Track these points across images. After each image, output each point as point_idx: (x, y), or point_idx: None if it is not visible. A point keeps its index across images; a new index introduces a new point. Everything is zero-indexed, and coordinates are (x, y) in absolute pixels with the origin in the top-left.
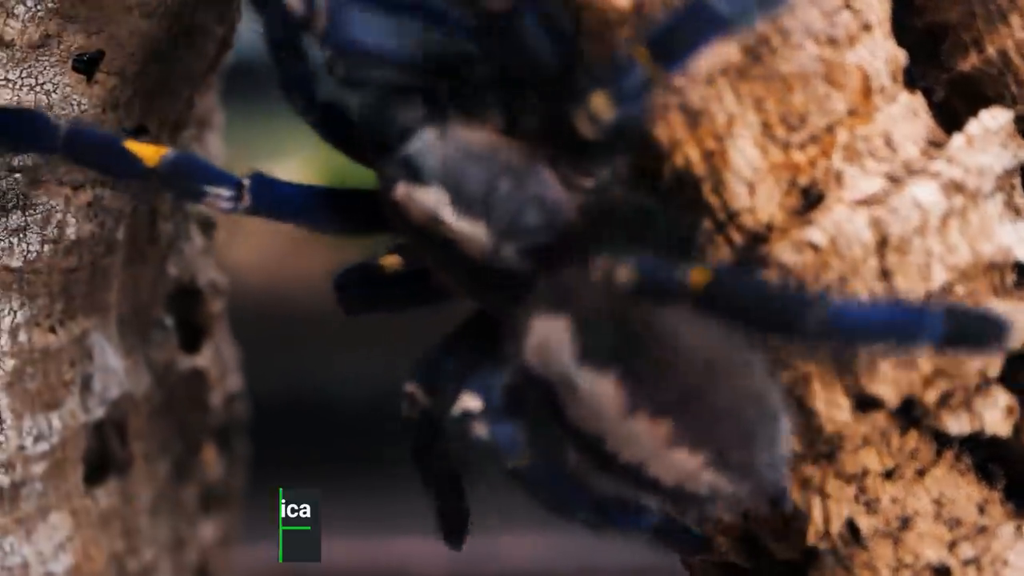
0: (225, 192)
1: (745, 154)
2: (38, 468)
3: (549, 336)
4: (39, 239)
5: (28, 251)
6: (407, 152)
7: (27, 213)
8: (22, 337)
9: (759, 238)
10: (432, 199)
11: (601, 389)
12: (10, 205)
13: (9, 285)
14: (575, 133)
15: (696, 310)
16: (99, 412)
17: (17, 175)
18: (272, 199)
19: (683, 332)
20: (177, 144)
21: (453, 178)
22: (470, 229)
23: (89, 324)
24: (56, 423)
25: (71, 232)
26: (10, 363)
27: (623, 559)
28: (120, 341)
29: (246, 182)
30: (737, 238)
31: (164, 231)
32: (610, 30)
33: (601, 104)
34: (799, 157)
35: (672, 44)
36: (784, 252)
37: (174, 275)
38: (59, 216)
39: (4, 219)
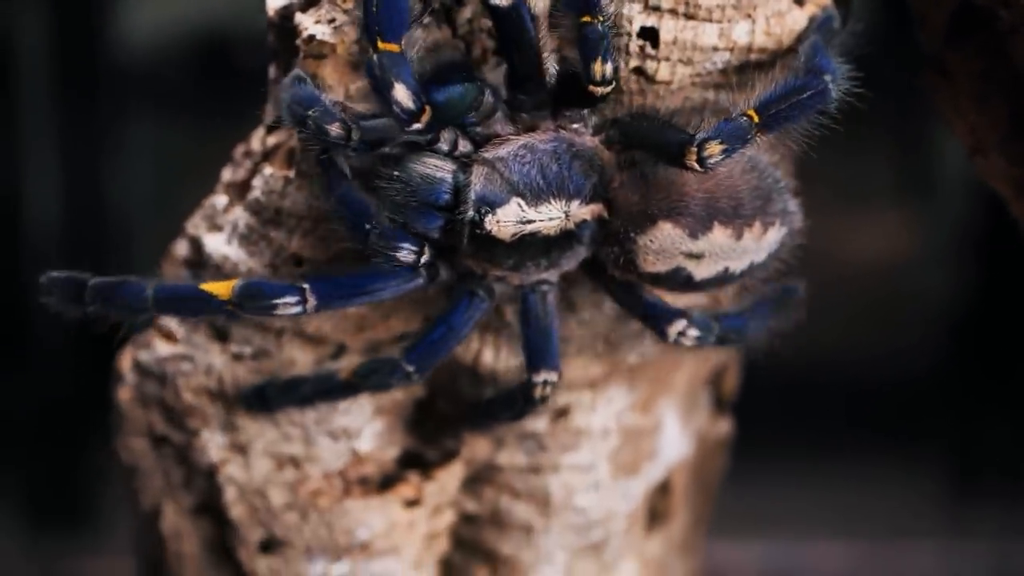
0: (291, 299)
1: None
2: (619, 526)
3: (664, 234)
4: (651, 340)
5: (645, 351)
6: (477, 194)
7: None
8: (625, 419)
9: None
10: (516, 209)
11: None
12: None
13: (623, 377)
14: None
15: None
16: (659, 475)
17: None
18: (333, 293)
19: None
20: None
21: (518, 185)
22: (547, 210)
23: (665, 403)
24: (636, 488)
25: None
26: (615, 441)
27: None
28: (679, 413)
29: (306, 285)
30: None
31: None
32: None
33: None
34: None
35: None
36: None
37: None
38: None
39: (630, 323)
